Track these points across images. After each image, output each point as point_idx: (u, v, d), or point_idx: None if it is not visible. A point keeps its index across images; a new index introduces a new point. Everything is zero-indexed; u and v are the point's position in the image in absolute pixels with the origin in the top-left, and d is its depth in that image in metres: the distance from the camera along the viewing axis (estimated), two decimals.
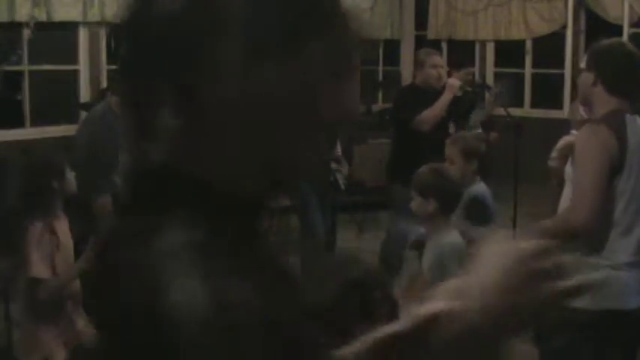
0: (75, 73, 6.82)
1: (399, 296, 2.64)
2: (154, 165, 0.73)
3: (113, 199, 3.43)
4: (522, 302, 0.75)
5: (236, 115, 0.71)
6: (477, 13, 9.06)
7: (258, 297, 0.65)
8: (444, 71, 4.80)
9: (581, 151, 2.53)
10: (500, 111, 5.53)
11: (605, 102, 2.56)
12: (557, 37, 8.73)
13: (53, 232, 2.84)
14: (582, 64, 2.73)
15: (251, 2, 0.70)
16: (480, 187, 3.49)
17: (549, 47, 8.86)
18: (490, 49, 9.26)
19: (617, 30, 7.82)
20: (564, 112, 7.92)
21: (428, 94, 4.53)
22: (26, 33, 6.18)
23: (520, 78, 9.17)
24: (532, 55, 9.06)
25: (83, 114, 6.46)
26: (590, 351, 2.40)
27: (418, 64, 4.83)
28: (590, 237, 2.41)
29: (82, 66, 6.82)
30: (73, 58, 6.80)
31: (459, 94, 4.67)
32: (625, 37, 7.98)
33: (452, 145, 3.62)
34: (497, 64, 9.24)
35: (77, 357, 2.89)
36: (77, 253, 3.05)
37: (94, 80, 6.80)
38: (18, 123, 6.44)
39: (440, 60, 4.98)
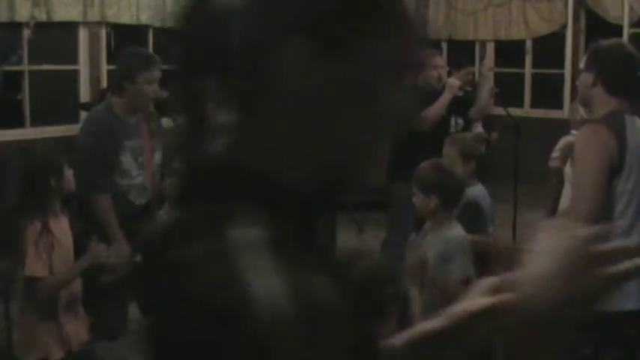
0: (75, 73, 6.82)
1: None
2: (211, 161, 0.73)
3: (113, 199, 3.42)
4: (579, 288, 0.76)
5: (295, 113, 0.71)
6: (476, 13, 9.06)
7: (331, 292, 0.66)
8: (444, 72, 4.81)
9: (580, 151, 2.53)
10: (500, 111, 5.53)
11: (604, 102, 2.56)
12: (557, 37, 8.73)
13: (50, 230, 2.83)
14: (581, 65, 2.73)
15: (312, 1, 0.70)
16: (475, 190, 3.48)
17: (549, 47, 8.86)
18: (490, 49, 9.26)
19: (617, 30, 7.82)
20: (564, 112, 7.92)
21: (428, 94, 4.53)
22: (26, 33, 6.18)
23: (520, 78, 9.17)
24: (532, 55, 9.06)
25: (83, 114, 6.46)
26: (590, 351, 2.40)
27: None
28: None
29: (82, 66, 6.82)
30: (73, 58, 6.80)
31: (460, 94, 4.67)
32: (625, 37, 7.98)
33: (450, 145, 3.63)
34: (497, 64, 9.24)
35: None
36: (76, 251, 3.05)
37: (94, 80, 6.80)
38: (18, 123, 6.44)
39: (440, 60, 4.99)
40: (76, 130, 6.23)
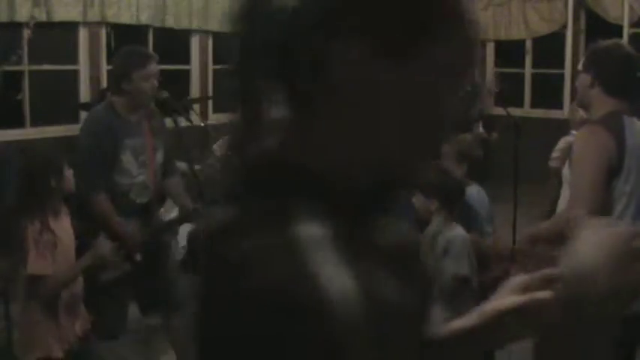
0: (75, 73, 6.81)
1: None
2: (267, 158, 0.74)
3: (114, 198, 3.42)
4: (623, 283, 0.77)
5: (351, 113, 0.72)
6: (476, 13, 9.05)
7: (394, 288, 0.68)
8: None
9: (579, 153, 2.53)
10: (500, 111, 5.53)
11: (602, 103, 2.55)
12: (557, 37, 8.73)
13: (51, 230, 2.83)
14: (580, 66, 2.72)
15: (374, 3, 0.70)
16: (469, 190, 3.49)
17: (549, 47, 8.86)
18: (490, 49, 9.26)
19: (617, 30, 7.82)
20: (564, 112, 7.92)
21: None
22: (26, 33, 6.17)
23: (520, 78, 9.17)
24: (532, 55, 9.06)
25: (83, 114, 6.46)
26: None
27: None
28: None
29: (82, 66, 6.82)
30: (73, 58, 6.79)
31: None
32: (625, 37, 7.98)
33: (449, 145, 3.63)
34: (497, 64, 9.24)
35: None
36: (78, 250, 3.06)
37: (94, 80, 6.80)
38: (18, 123, 6.43)
39: None
40: (76, 130, 6.22)
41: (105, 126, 3.40)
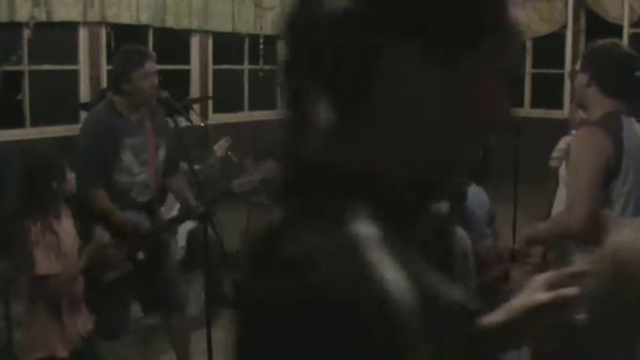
0: (75, 73, 6.81)
1: None
2: (315, 160, 0.75)
3: (115, 196, 3.43)
4: None
5: (399, 116, 0.73)
6: None
7: (443, 286, 0.69)
8: None
9: (577, 154, 2.52)
10: None
11: (600, 103, 2.53)
12: (557, 37, 8.73)
13: (54, 231, 2.84)
14: (577, 66, 2.71)
15: (425, 6, 0.71)
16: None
17: (549, 47, 8.87)
18: None
19: (617, 30, 7.82)
20: (564, 112, 7.92)
21: None
22: (26, 33, 6.17)
23: (520, 78, 9.17)
24: (532, 55, 9.07)
25: (83, 114, 6.46)
26: None
27: None
28: (585, 240, 2.40)
29: (82, 66, 6.82)
30: (73, 58, 6.80)
31: None
32: (625, 37, 7.98)
33: None
34: None
35: None
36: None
37: (94, 80, 6.80)
38: (18, 123, 6.43)
39: None
40: (76, 130, 6.22)
41: (105, 125, 3.40)
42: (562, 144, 4.04)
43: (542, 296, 0.96)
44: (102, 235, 3.06)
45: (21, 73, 6.36)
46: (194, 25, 7.69)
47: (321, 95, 0.73)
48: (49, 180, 2.86)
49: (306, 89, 0.74)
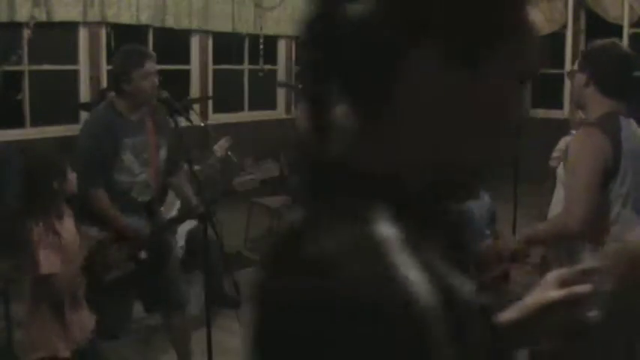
0: (75, 73, 6.82)
1: None
2: (337, 162, 0.75)
3: (116, 196, 3.43)
4: None
5: (419, 118, 0.73)
6: None
7: (464, 286, 0.69)
8: None
9: (575, 155, 2.51)
10: None
11: (598, 103, 2.52)
12: (557, 37, 8.73)
13: (56, 231, 2.86)
14: (575, 66, 2.70)
15: (447, 9, 0.71)
16: None
17: (549, 47, 8.87)
18: None
19: (617, 30, 7.82)
20: (564, 112, 7.92)
21: None
22: (26, 33, 6.17)
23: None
24: None
25: (83, 114, 6.46)
26: None
27: None
28: (583, 241, 2.40)
29: (82, 66, 6.82)
30: (73, 58, 6.80)
31: None
32: (625, 37, 7.99)
33: None
34: None
35: None
36: None
37: (94, 80, 6.80)
38: (18, 123, 6.44)
39: None
40: (76, 130, 6.22)
41: (105, 126, 3.40)
42: (562, 144, 4.04)
43: (555, 294, 0.98)
44: (88, 231, 3.07)
45: (21, 73, 6.37)
46: (194, 25, 7.69)
47: (342, 97, 0.74)
48: (51, 180, 2.87)
49: (327, 91, 0.75)
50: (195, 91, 7.98)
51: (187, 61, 7.95)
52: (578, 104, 2.72)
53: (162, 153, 3.59)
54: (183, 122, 3.67)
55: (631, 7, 8.11)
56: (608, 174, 2.44)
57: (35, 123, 6.53)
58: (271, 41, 8.77)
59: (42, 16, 6.20)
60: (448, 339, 0.63)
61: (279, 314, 0.68)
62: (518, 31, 0.75)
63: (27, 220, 2.84)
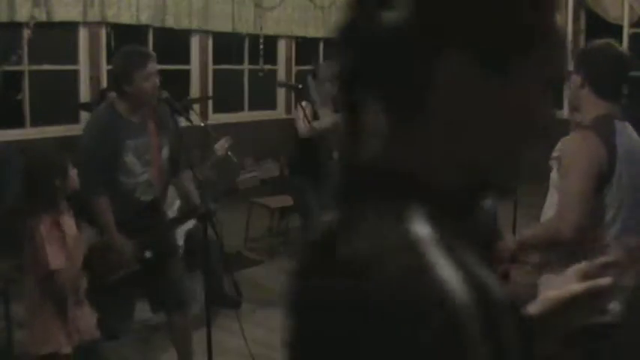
0: (75, 73, 6.82)
1: None
2: (371, 164, 0.78)
3: (120, 197, 3.43)
4: None
5: (451, 123, 0.76)
6: None
7: (496, 284, 0.71)
8: None
9: (569, 158, 2.48)
10: None
11: (593, 105, 2.48)
12: None
13: (60, 227, 2.89)
14: (570, 67, 2.66)
15: (477, 17, 0.74)
16: None
17: None
18: None
19: (617, 30, 7.82)
20: (564, 112, 7.91)
21: None
22: (26, 33, 6.18)
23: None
24: None
25: (83, 114, 6.46)
26: None
27: None
28: (577, 246, 2.36)
29: (82, 66, 6.82)
30: (73, 58, 6.80)
31: None
32: (625, 37, 7.99)
33: None
34: None
35: None
36: None
37: (94, 80, 6.80)
38: (18, 123, 6.44)
39: None
40: (76, 130, 6.24)
41: (107, 129, 3.40)
42: (562, 144, 4.03)
43: (577, 287, 1.00)
44: (86, 231, 3.10)
45: (21, 73, 6.37)
46: (194, 25, 7.69)
47: (377, 102, 0.77)
48: (53, 176, 2.90)
49: (363, 96, 0.78)
50: (195, 91, 7.98)
51: (187, 61, 7.95)
52: (573, 105, 2.70)
53: (165, 152, 3.59)
54: (183, 122, 3.68)
55: (631, 7, 8.12)
56: (602, 178, 2.40)
57: (35, 123, 6.53)
58: (271, 41, 8.77)
59: (42, 16, 6.20)
60: (482, 337, 0.64)
61: (317, 314, 0.69)
62: (547, 37, 0.77)
63: (30, 217, 2.86)
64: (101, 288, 3.25)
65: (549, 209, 2.61)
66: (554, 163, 4.02)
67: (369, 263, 0.67)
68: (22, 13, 6.06)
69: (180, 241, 4.78)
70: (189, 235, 4.73)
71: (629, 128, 2.54)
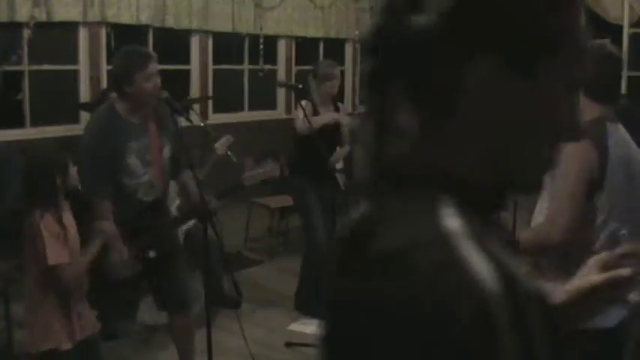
0: (75, 73, 6.82)
1: None
2: (402, 161, 0.81)
3: (122, 198, 3.43)
4: None
5: (480, 123, 0.78)
6: None
7: (528, 277, 0.73)
8: None
9: (560, 163, 2.44)
10: None
11: (586, 109, 2.40)
12: None
13: (61, 224, 2.91)
14: None
15: (505, 21, 0.76)
16: None
17: None
18: None
19: (617, 30, 7.82)
20: None
21: None
22: (26, 33, 6.18)
23: None
24: None
25: (83, 114, 6.46)
26: None
27: None
28: (567, 251, 2.33)
29: (82, 66, 6.82)
30: (73, 58, 6.80)
31: None
32: (625, 37, 7.99)
33: None
34: None
35: None
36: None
37: (94, 80, 6.80)
38: (18, 123, 6.44)
39: None
40: (76, 130, 6.24)
41: (107, 129, 3.39)
42: None
43: (597, 277, 1.04)
44: (102, 225, 3.12)
45: (21, 73, 6.37)
46: (194, 25, 7.69)
47: (408, 103, 0.79)
48: (53, 173, 2.92)
49: (393, 97, 0.80)
50: (195, 91, 7.98)
51: (187, 61, 7.95)
52: None
53: (166, 151, 3.58)
54: (183, 122, 3.67)
55: (631, 7, 8.12)
56: (593, 183, 2.36)
57: (35, 123, 6.53)
58: (271, 41, 8.77)
59: (42, 16, 6.20)
60: (512, 326, 0.66)
61: (352, 310, 0.73)
62: (572, 39, 0.79)
63: (31, 214, 2.87)
64: (104, 287, 3.25)
65: (539, 214, 2.58)
66: None
67: (402, 257, 0.70)
68: (22, 13, 6.06)
69: (180, 241, 4.79)
70: (188, 235, 4.73)
71: (622, 130, 2.50)
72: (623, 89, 7.93)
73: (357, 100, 9.90)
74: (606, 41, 2.54)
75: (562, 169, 2.37)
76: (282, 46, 8.97)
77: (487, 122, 0.78)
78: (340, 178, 5.07)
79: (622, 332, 2.40)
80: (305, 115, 4.47)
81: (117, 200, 3.39)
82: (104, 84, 6.66)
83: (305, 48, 9.13)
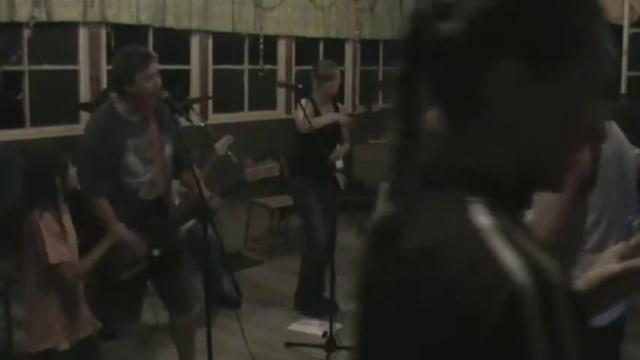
0: (75, 73, 6.81)
1: None
2: (430, 160, 0.85)
3: (124, 198, 3.43)
4: None
5: (506, 124, 0.81)
6: None
7: (559, 272, 0.75)
8: None
9: None
10: None
11: None
12: None
13: (61, 223, 2.92)
14: None
15: (529, 26, 0.79)
16: None
17: None
18: None
19: (617, 30, 7.82)
20: None
21: None
22: (26, 33, 6.18)
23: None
24: None
25: (83, 114, 6.46)
26: None
27: None
28: (557, 252, 2.32)
29: (82, 66, 6.82)
30: (73, 58, 6.80)
31: None
32: (625, 37, 7.99)
33: None
34: None
35: None
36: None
37: (94, 80, 6.80)
38: (18, 123, 6.44)
39: None
40: (76, 130, 6.24)
41: (106, 129, 3.39)
42: None
43: (615, 266, 1.08)
44: (117, 227, 3.13)
45: (21, 73, 6.37)
46: (194, 25, 7.69)
47: (435, 105, 0.83)
48: (53, 173, 2.92)
49: (422, 99, 0.84)
50: (195, 91, 7.98)
51: (187, 61, 7.95)
52: None
53: (168, 150, 3.58)
54: (183, 122, 3.67)
55: (631, 7, 8.11)
56: (584, 182, 2.37)
57: (35, 123, 6.53)
58: (271, 41, 8.77)
59: (42, 16, 6.20)
60: (542, 317, 0.69)
61: (387, 304, 0.77)
62: (595, 42, 0.81)
63: (30, 214, 2.87)
64: (107, 287, 3.26)
65: (529, 213, 2.58)
66: None
67: (435, 253, 0.74)
68: (22, 13, 6.06)
69: (183, 240, 4.78)
70: (187, 234, 4.73)
71: (616, 128, 2.51)
72: (623, 89, 7.93)
73: (357, 100, 9.90)
74: None
75: None
76: (282, 46, 8.97)
77: (512, 123, 0.81)
78: (340, 178, 5.07)
79: (615, 331, 2.41)
80: (305, 115, 4.47)
81: (119, 200, 3.39)
82: (104, 84, 6.66)
83: (305, 48, 9.13)
